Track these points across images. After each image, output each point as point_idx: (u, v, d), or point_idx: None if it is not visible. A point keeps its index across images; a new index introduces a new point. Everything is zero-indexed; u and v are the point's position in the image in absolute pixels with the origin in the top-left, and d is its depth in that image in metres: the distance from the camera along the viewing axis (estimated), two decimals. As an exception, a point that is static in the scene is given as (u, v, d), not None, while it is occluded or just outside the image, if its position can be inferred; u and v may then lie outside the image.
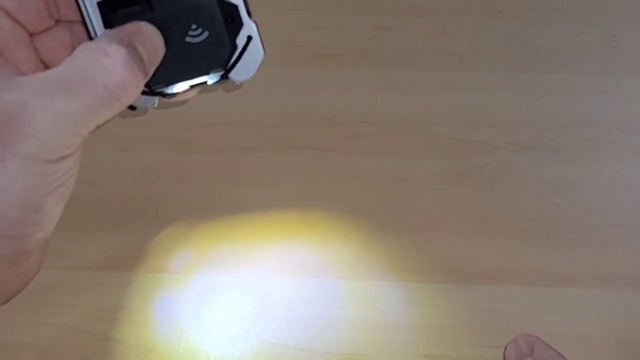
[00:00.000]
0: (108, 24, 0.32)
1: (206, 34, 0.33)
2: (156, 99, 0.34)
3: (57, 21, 0.34)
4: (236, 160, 0.54)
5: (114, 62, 0.29)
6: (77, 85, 0.29)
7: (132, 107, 0.34)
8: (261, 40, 0.34)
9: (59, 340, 0.47)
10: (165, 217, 0.52)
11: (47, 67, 0.34)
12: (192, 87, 0.34)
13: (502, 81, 0.57)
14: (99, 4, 0.32)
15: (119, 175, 0.54)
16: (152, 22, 0.32)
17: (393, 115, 0.56)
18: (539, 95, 0.56)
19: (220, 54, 0.34)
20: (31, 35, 0.34)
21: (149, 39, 0.32)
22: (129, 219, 0.52)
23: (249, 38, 0.34)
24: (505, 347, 0.43)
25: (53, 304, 0.49)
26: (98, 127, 0.30)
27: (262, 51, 0.34)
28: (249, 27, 0.34)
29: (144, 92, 0.33)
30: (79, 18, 0.33)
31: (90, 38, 0.33)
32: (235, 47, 0.34)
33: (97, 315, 0.48)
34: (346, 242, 0.51)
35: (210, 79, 0.34)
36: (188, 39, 0.33)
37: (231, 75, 0.34)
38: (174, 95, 0.34)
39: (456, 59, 0.58)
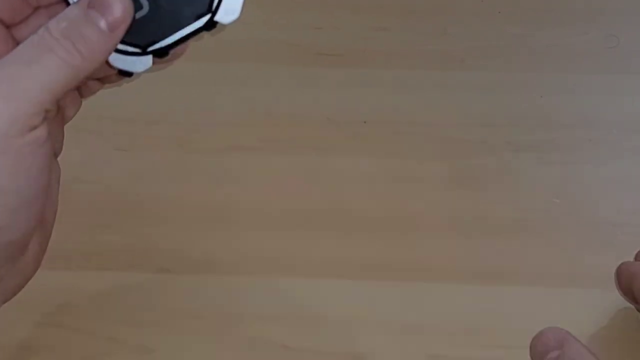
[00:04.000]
0: None
1: None
2: (150, 60, 0.34)
3: (37, 8, 0.35)
4: (236, 160, 0.54)
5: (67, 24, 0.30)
6: (30, 54, 0.30)
7: (127, 74, 0.34)
8: None
9: (59, 340, 0.47)
10: (165, 217, 0.52)
11: None
12: (182, 39, 0.34)
13: (502, 81, 0.57)
14: None
15: (118, 174, 0.54)
16: None
17: (393, 115, 0.56)
18: (539, 95, 0.56)
19: None
20: (9, 27, 0.34)
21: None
22: (128, 219, 0.52)
23: None
24: (532, 341, 0.41)
25: (53, 304, 0.48)
26: (64, 92, 0.31)
27: None
28: None
29: (136, 54, 0.33)
30: None
31: None
32: None
33: (97, 315, 0.48)
34: (345, 243, 0.51)
35: (198, 26, 0.34)
36: None
37: (217, 18, 0.34)
38: (166, 52, 0.34)
39: (456, 59, 0.58)
